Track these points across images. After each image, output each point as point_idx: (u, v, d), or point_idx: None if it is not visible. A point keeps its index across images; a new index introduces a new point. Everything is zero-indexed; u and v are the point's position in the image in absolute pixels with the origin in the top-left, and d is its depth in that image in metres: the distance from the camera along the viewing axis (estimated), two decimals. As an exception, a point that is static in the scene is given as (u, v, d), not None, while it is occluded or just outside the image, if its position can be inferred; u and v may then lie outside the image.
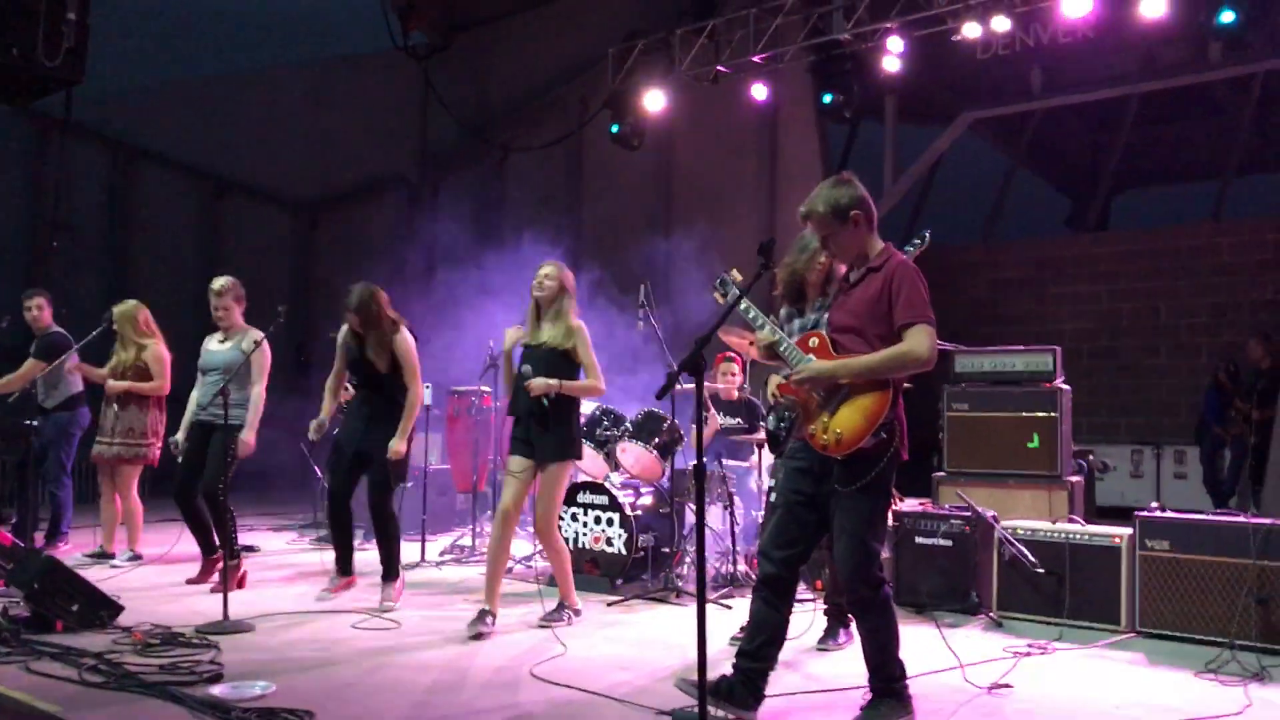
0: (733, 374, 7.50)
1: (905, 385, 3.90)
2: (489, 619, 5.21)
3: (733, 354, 7.60)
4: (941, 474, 6.70)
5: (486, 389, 8.19)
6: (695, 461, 3.44)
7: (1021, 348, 6.72)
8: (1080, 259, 13.04)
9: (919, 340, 3.70)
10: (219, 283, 6.38)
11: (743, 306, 4.07)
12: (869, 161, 12.73)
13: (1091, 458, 7.13)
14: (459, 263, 9.46)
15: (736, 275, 4.34)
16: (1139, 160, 14.97)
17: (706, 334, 3.46)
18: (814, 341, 3.90)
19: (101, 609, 5.07)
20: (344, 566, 6.09)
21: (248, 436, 6.14)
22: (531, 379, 5.32)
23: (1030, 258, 13.46)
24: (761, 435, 6.82)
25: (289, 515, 9.96)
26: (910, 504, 6.47)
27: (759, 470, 7.04)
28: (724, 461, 7.12)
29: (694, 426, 3.70)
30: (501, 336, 5.58)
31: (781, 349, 3.97)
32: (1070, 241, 13.67)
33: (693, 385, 3.54)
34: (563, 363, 5.39)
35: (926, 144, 12.39)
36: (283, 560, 7.57)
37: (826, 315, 4.06)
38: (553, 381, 5.31)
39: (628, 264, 9.93)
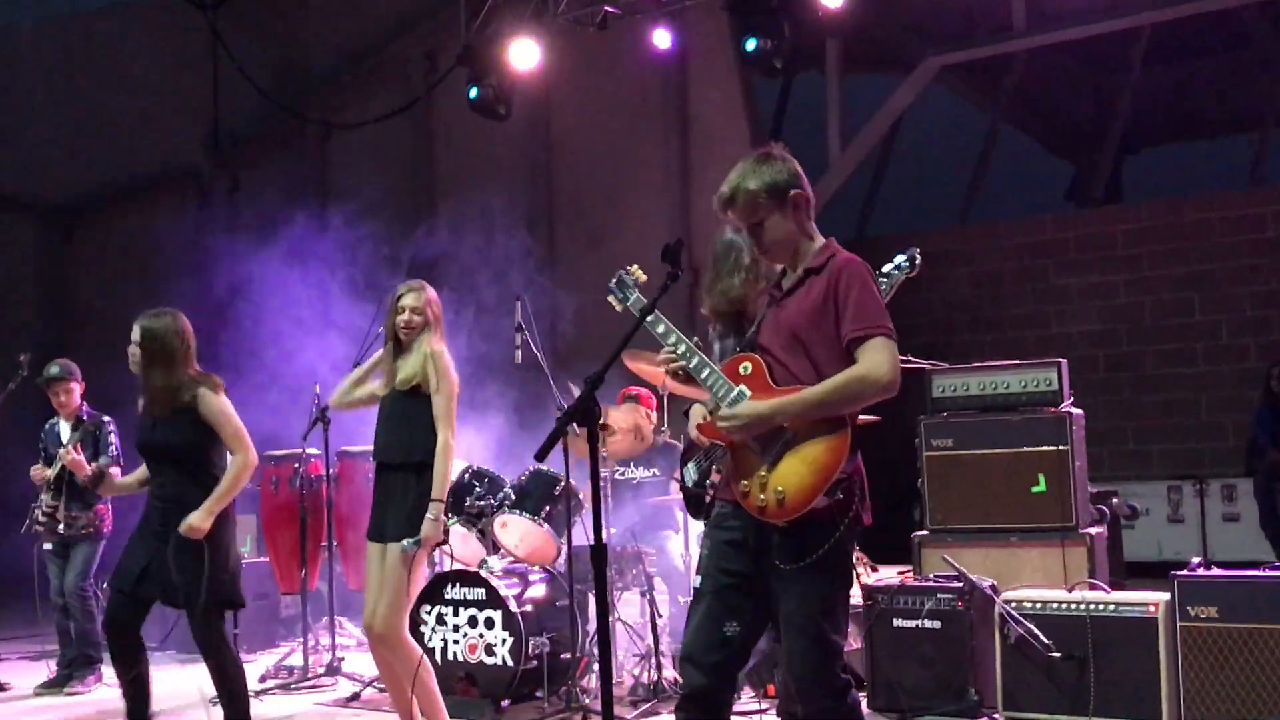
0: (642, 415, 7.48)
1: (867, 419, 3.92)
2: None
3: (641, 388, 7.59)
4: (923, 533, 6.74)
5: (314, 451, 8.04)
6: (595, 537, 3.40)
7: (1017, 362, 6.82)
8: (1087, 241, 13.35)
9: (876, 358, 3.73)
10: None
11: (650, 319, 4.06)
12: (808, 125, 12.88)
13: (1115, 501, 7.24)
14: (268, 281, 9.30)
15: (639, 274, 4.32)
16: (1154, 112, 15.43)
17: (601, 368, 3.45)
18: (746, 367, 3.91)
19: None
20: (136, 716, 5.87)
21: None
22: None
23: (1022, 242, 13.75)
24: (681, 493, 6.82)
25: (47, 636, 9.63)
26: (884, 575, 6.50)
27: (687, 541, 7.03)
28: (639, 533, 7.12)
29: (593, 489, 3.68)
30: (333, 382, 5.57)
31: (703, 377, 3.96)
32: (1073, 219, 14.00)
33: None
34: (413, 407, 5.44)
35: (882, 100, 12.56)
36: (49, 704, 7.45)
37: (752, 335, 4.07)
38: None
39: (498, 272, 9.87)
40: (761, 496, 3.77)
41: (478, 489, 6.94)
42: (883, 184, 15.11)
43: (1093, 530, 6.45)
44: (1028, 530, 6.48)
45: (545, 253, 11.87)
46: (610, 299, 4.29)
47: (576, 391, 4.37)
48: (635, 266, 4.34)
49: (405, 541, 5.31)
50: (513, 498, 6.84)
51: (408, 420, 5.46)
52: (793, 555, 3.74)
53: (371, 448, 5.67)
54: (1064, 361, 6.69)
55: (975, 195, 15.02)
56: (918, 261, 4.88)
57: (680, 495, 6.86)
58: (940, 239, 14.16)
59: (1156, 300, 12.97)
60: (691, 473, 4.90)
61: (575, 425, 3.50)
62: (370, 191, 13.11)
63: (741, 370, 3.91)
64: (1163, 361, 12.90)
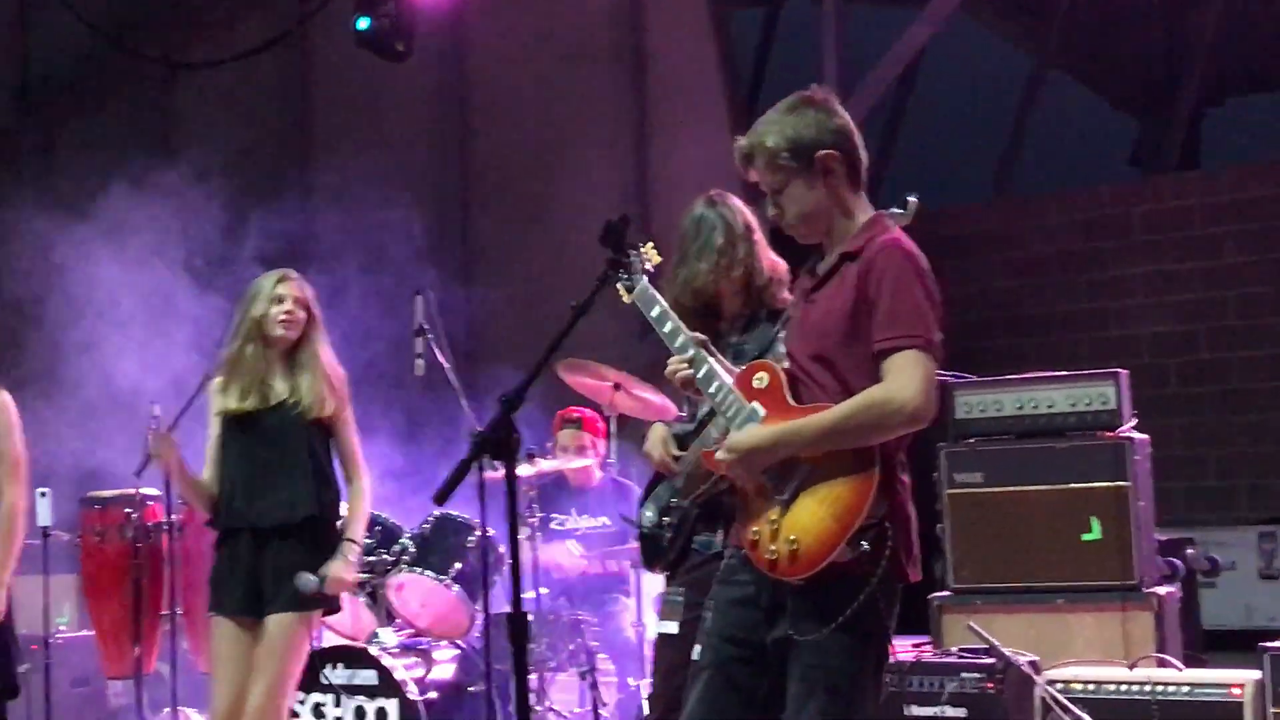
0: (583, 445, 7.51)
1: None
2: None
3: (585, 410, 7.61)
4: (944, 594, 6.78)
5: (152, 492, 7.98)
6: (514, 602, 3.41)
7: (1065, 373, 6.87)
8: (1156, 219, 13.42)
9: (903, 378, 3.79)
10: None
11: (655, 313, 4.17)
12: (799, 68, 12.91)
13: (1191, 552, 7.30)
14: (89, 268, 9.24)
15: (653, 254, 4.44)
16: (1243, 53, 15.49)
17: (522, 382, 3.43)
18: (762, 379, 4.00)
19: None
20: None
21: None
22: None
23: (1074, 220, 13.82)
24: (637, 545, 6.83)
25: None
26: (896, 647, 6.51)
27: (640, 606, 7.05)
28: (579, 596, 7.17)
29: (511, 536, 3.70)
30: (176, 402, 5.65)
31: (711, 391, 4.05)
32: (1138, 191, 14.05)
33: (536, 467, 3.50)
34: (296, 440, 5.48)
35: (894, 36, 12.60)
36: None
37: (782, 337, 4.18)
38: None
39: (392, 256, 9.85)
40: (772, 547, 3.84)
41: (367, 542, 6.82)
42: (894, 145, 15.15)
43: (1161, 590, 6.50)
44: (1078, 590, 6.52)
45: (457, 232, 11.85)
46: (619, 288, 4.36)
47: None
48: (649, 245, 4.47)
49: (303, 578, 5.32)
50: (413, 552, 6.88)
51: (287, 460, 5.46)
52: (809, 621, 3.80)
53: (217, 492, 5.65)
54: (1125, 373, 6.75)
55: (1013, 160, 15.08)
56: (913, 206, 4.84)
57: (634, 547, 6.89)
58: (968, 217, 14.23)
59: (1245, 294, 13.02)
60: (649, 515, 4.97)
61: (489, 458, 3.49)
62: (224, 151, 13.00)
63: (755, 383, 3.99)
64: (1253, 373, 12.95)
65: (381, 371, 7.72)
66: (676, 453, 4.91)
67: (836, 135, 3.99)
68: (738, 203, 5.09)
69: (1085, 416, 6.67)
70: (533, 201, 12.64)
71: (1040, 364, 7.55)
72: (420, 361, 6.65)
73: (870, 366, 3.84)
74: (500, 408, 3.48)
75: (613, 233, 3.71)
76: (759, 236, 5.03)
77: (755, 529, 3.90)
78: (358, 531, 5.64)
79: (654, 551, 4.90)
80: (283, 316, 5.55)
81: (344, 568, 5.50)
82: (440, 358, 6.65)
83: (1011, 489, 6.71)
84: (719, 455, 3.92)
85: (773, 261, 5.06)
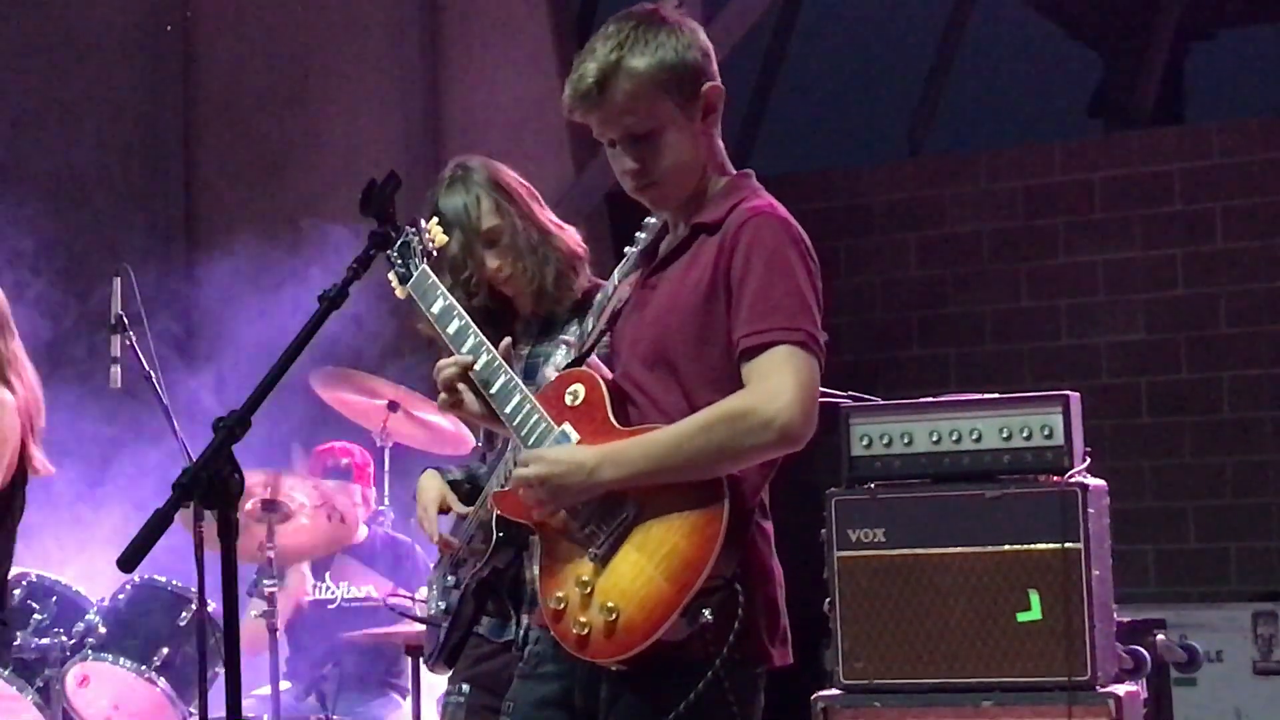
0: (350, 494, 7.62)
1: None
2: None
3: (353, 447, 7.61)
4: (832, 693, 6.80)
5: None
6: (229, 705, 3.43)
7: (997, 396, 6.92)
8: (1123, 187, 13.62)
9: (772, 383, 3.81)
10: None
11: (437, 309, 4.29)
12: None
13: (1162, 638, 7.40)
14: None
15: (438, 234, 4.48)
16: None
17: (249, 400, 3.41)
18: (576, 392, 4.03)
19: None
20: None
21: None
22: None
23: (1013, 188, 13.97)
24: (419, 627, 6.84)
25: None
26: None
27: (418, 708, 7.04)
28: (336, 694, 7.25)
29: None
30: None
31: (508, 410, 4.06)
32: (1100, 148, 14.26)
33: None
34: None
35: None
36: None
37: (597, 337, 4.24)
38: None
39: (77, 225, 9.74)
40: (582, 618, 3.84)
41: (38, 617, 6.89)
42: (776, 86, 15.22)
43: (1121, 689, 6.55)
44: (1010, 689, 6.52)
45: (176, 192, 11.73)
46: (390, 276, 4.42)
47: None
48: (434, 222, 4.49)
49: None
50: (102, 633, 6.80)
51: None
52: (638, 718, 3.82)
53: None
54: (1076, 396, 6.77)
55: (936, 107, 15.25)
56: None
57: (414, 630, 6.89)
58: (871, 183, 14.36)
59: (1241, 292, 13.20)
60: (435, 588, 5.03)
61: (200, 506, 3.50)
62: None
63: (569, 398, 4.02)
64: (1249, 396, 13.14)
65: (62, 378, 7.62)
66: (461, 509, 4.93)
67: (711, 64, 4.06)
68: (502, 167, 5.19)
69: (1023, 455, 6.68)
70: (282, 148, 12.57)
71: (965, 383, 7.65)
72: (116, 369, 6.55)
73: (726, 378, 3.87)
74: (216, 436, 3.45)
75: (377, 197, 3.68)
76: (545, 211, 5.16)
77: (560, 594, 3.89)
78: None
79: (438, 646, 4.93)
80: None
81: None
82: (146, 363, 6.56)
83: (923, 551, 6.68)
84: (518, 473, 3.90)
85: (566, 235, 5.14)
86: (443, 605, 4.94)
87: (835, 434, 6.85)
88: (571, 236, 5.22)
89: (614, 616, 3.77)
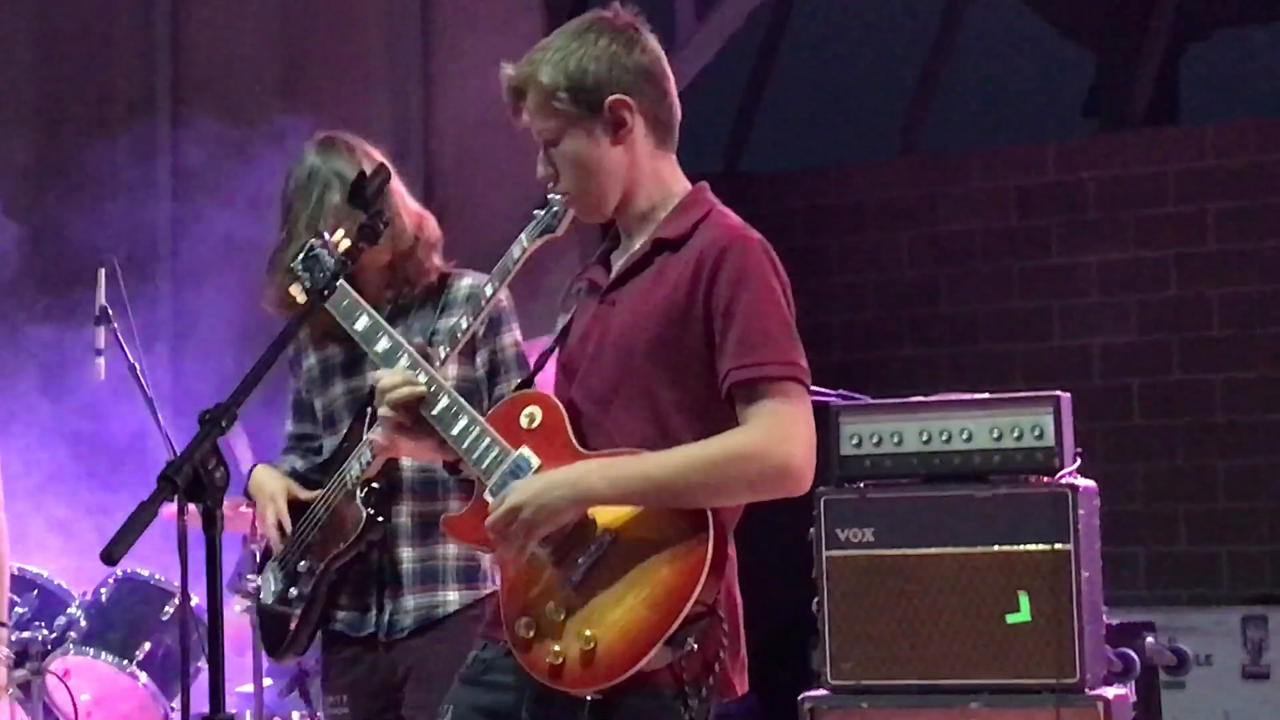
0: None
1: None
2: None
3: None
4: (820, 694, 6.78)
5: None
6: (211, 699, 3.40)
7: (988, 396, 6.91)
8: (1117, 188, 13.61)
9: (778, 424, 3.79)
10: None
11: (362, 326, 4.17)
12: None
13: (1152, 641, 7.39)
14: None
15: (344, 244, 4.38)
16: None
17: (233, 394, 3.40)
18: (533, 415, 3.96)
19: None
20: None
21: None
22: None
23: (1006, 187, 13.97)
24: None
25: None
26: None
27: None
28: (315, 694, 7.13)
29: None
30: None
31: (455, 433, 3.97)
32: (1093, 150, 14.28)
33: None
34: None
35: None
36: None
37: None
38: None
39: (67, 216, 9.71)
40: (556, 648, 3.77)
41: (19, 610, 6.88)
42: (768, 82, 15.19)
43: (1110, 692, 6.54)
44: (999, 690, 6.53)
45: (167, 171, 11.68)
46: (291, 291, 4.42)
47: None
48: (339, 233, 4.42)
49: None
50: (84, 626, 6.79)
51: None
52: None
53: None
54: (1067, 396, 6.77)
55: (928, 107, 15.24)
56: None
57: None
58: (863, 181, 14.32)
59: (1234, 294, 13.21)
60: (271, 580, 5.06)
61: (184, 499, 3.46)
62: None
63: (525, 421, 3.95)
64: (1242, 399, 13.14)
65: (40, 370, 7.59)
66: (307, 495, 4.93)
67: (636, 75, 3.97)
68: (360, 144, 5.20)
69: (1014, 455, 6.68)
70: (264, 125, 12.52)
71: (956, 383, 7.61)
72: (101, 361, 6.52)
73: (703, 405, 3.86)
74: (201, 429, 3.42)
75: (366, 189, 3.66)
76: (396, 185, 5.03)
77: (526, 619, 3.83)
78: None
79: (276, 634, 4.92)
80: None
81: None
82: (129, 353, 6.53)
83: (913, 551, 6.68)
84: (492, 520, 3.81)
85: (416, 214, 5.17)
86: (295, 592, 4.97)
87: (825, 433, 6.81)
88: (421, 213, 5.20)
89: (592, 645, 3.72)
